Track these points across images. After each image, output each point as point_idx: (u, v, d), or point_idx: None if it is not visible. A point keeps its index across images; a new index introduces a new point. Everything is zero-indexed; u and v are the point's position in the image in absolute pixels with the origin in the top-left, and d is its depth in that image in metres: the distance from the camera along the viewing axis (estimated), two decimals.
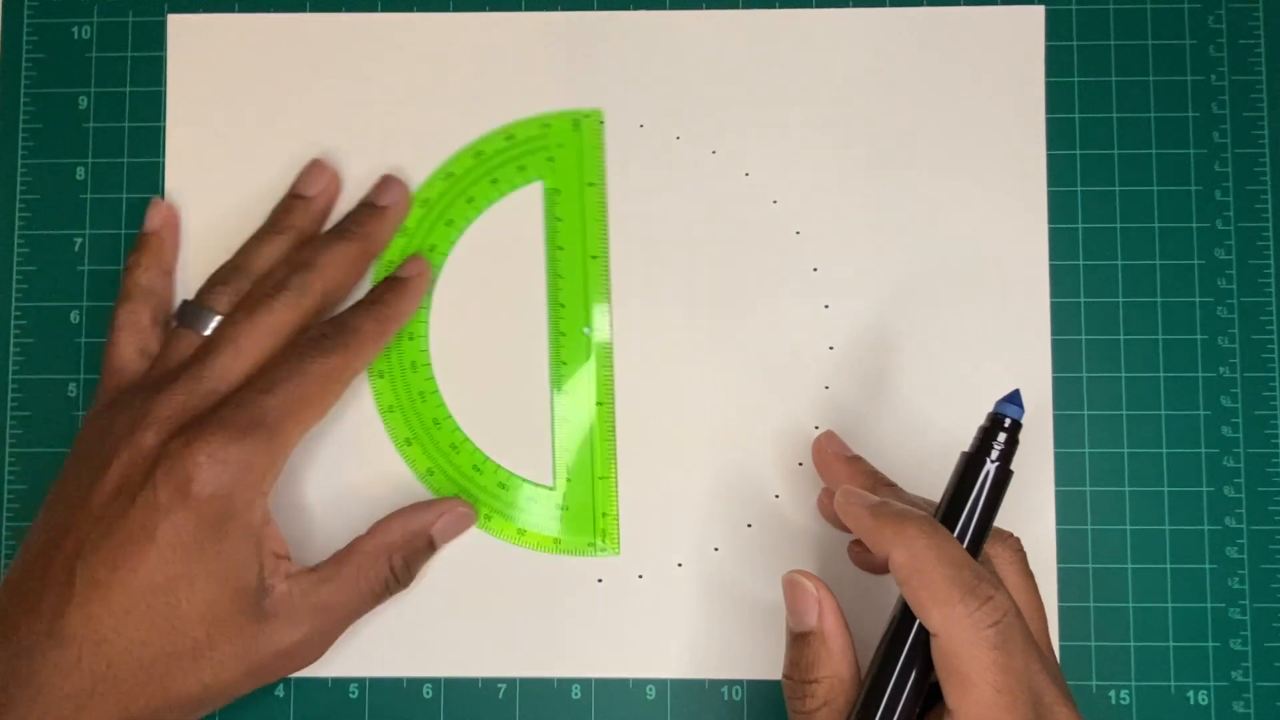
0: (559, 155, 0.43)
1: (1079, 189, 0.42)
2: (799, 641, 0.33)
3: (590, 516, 0.41)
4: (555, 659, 0.41)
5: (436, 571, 0.41)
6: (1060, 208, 0.42)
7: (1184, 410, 0.42)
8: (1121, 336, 0.42)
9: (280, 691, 0.41)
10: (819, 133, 0.43)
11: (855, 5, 0.43)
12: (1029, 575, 0.34)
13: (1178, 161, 0.42)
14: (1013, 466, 0.33)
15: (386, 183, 0.42)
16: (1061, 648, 0.40)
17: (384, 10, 0.43)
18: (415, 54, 0.43)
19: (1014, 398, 0.33)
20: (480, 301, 0.42)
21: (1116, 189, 0.42)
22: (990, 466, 0.32)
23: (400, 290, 0.41)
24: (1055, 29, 0.43)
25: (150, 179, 0.43)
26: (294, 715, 0.41)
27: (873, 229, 0.42)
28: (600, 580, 0.41)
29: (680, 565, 0.41)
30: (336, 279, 0.40)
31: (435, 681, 0.41)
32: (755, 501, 0.41)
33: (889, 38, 0.43)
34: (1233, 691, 0.40)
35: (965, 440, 0.34)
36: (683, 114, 0.43)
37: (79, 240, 0.43)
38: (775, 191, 0.42)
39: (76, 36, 0.44)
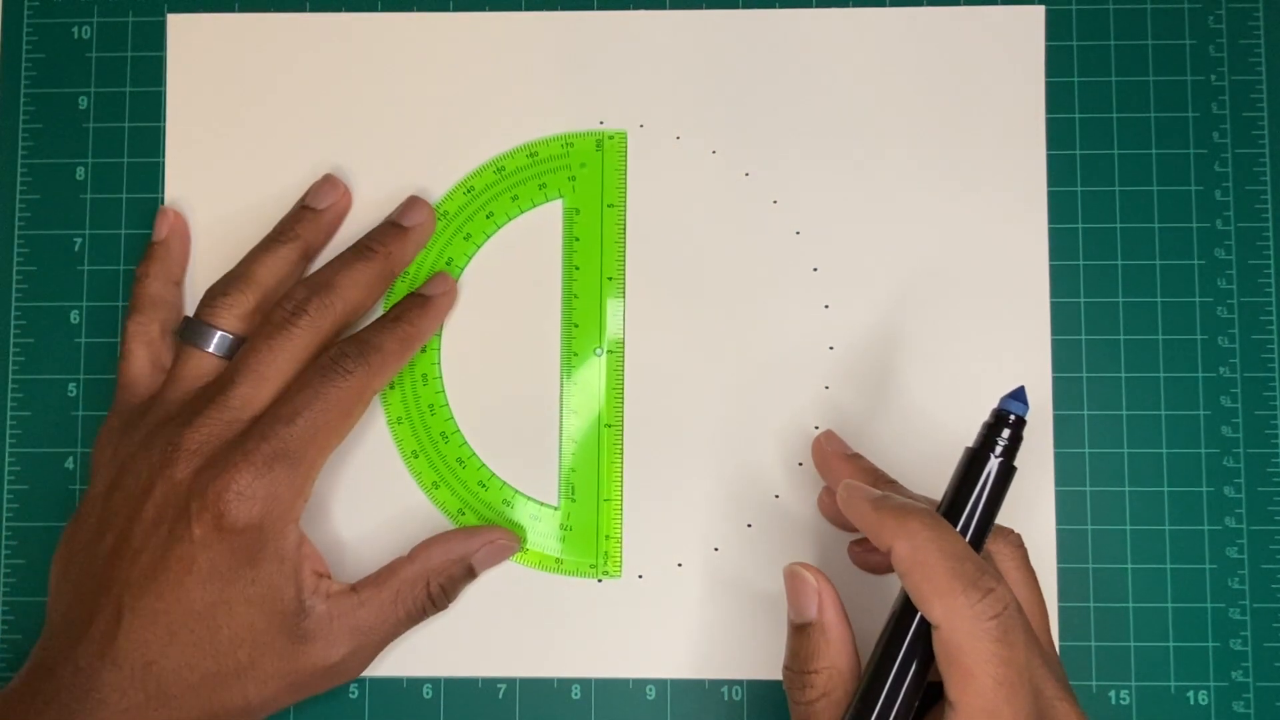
0: (581, 175, 0.43)
1: (1079, 189, 0.42)
2: (799, 633, 0.33)
3: (593, 538, 0.41)
4: (555, 659, 0.41)
5: None
6: (1060, 208, 0.42)
7: (1184, 410, 0.42)
8: (1121, 336, 0.42)
9: None
10: (819, 133, 0.43)
11: (855, 5, 0.43)
12: (1030, 571, 0.35)
13: (1178, 161, 0.42)
14: (1015, 463, 0.33)
15: (413, 203, 0.42)
16: (1061, 648, 0.40)
17: (384, 10, 0.43)
18: (415, 54, 0.43)
19: (1019, 394, 0.33)
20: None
21: (1116, 189, 0.42)
22: (994, 462, 0.32)
23: (424, 308, 0.40)
24: (1055, 29, 0.43)
25: (150, 179, 0.43)
26: (294, 715, 0.41)
27: (873, 229, 0.42)
28: (600, 580, 0.41)
29: (680, 565, 0.41)
30: (356, 299, 0.39)
31: (435, 681, 0.41)
32: (755, 501, 0.41)
33: (889, 38, 0.43)
34: (1233, 691, 0.40)
35: (965, 440, 0.34)
36: (683, 114, 0.43)
37: (79, 240, 0.43)
38: (775, 191, 0.42)
39: (76, 36, 0.44)
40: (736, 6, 0.43)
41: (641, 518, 0.41)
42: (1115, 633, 0.41)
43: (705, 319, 0.42)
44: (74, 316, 0.43)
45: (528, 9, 0.43)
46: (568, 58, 0.43)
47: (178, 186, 0.43)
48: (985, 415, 0.33)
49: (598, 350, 0.42)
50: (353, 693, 0.41)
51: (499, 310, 0.42)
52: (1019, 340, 0.42)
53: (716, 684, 0.41)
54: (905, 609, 0.32)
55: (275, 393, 0.37)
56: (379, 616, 0.38)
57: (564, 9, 0.43)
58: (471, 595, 0.41)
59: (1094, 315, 0.42)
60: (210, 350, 0.38)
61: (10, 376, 0.42)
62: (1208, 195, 0.42)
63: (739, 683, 0.41)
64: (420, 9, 0.43)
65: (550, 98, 0.43)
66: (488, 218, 0.43)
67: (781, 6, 0.43)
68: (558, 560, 0.41)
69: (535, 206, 0.43)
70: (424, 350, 0.42)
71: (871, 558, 0.40)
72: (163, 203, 0.43)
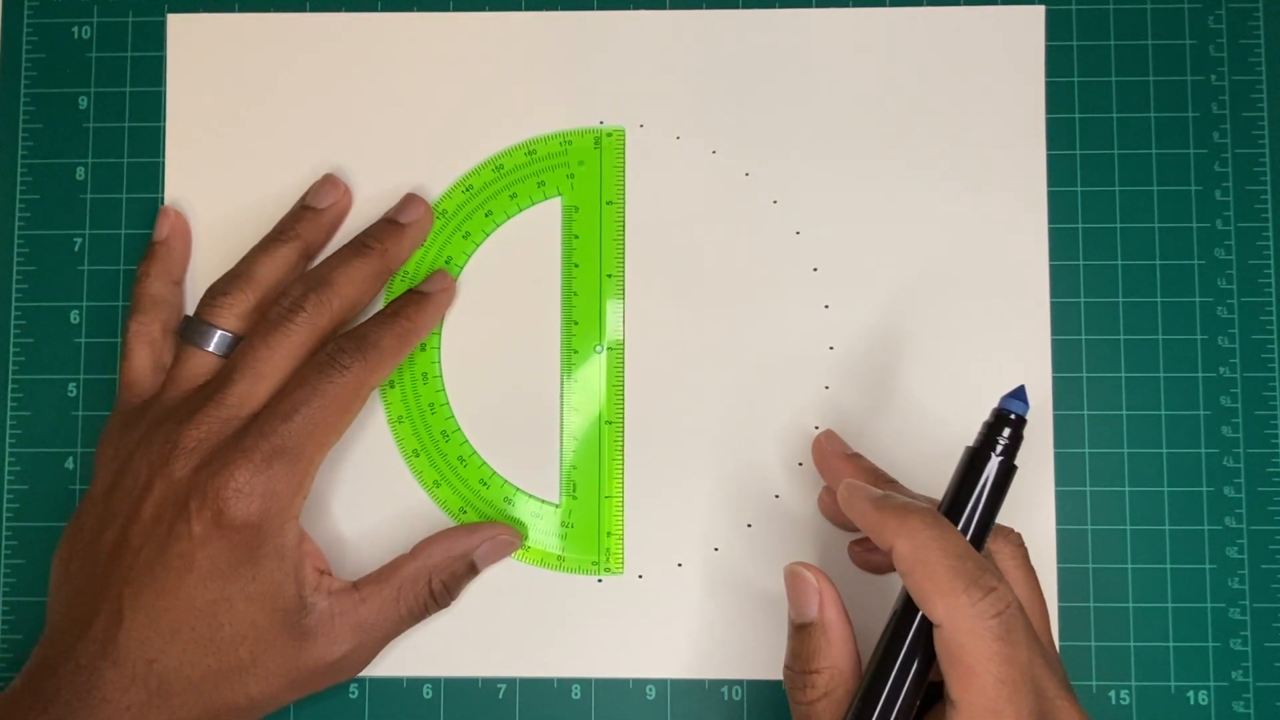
0: (579, 173, 0.43)
1: (1079, 189, 0.42)
2: (800, 632, 0.33)
3: (595, 535, 0.41)
4: (555, 659, 0.41)
5: None
6: (1060, 208, 0.42)
7: (1184, 410, 0.42)
8: (1121, 336, 0.42)
9: None
10: (819, 133, 0.43)
11: (855, 5, 0.43)
12: (1030, 570, 0.35)
13: (1178, 161, 0.42)
14: (1016, 463, 0.33)
15: (409, 200, 0.42)
16: (1061, 648, 0.40)
17: (384, 10, 0.43)
18: (414, 53, 0.43)
19: (1019, 393, 0.33)
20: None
21: (1116, 189, 0.42)
22: (994, 461, 0.33)
23: (422, 304, 0.40)
24: (1055, 29, 0.43)
25: (150, 179, 0.43)
26: (294, 715, 0.41)
27: (873, 229, 0.42)
28: (600, 580, 0.41)
29: (680, 565, 0.41)
30: (353, 296, 0.39)
31: (435, 681, 0.41)
32: (755, 501, 0.41)
33: (889, 38, 0.43)
34: (1233, 691, 0.40)
35: (966, 440, 0.34)
36: (682, 114, 0.43)
37: (79, 240, 0.43)
38: (775, 191, 0.42)
39: (76, 36, 0.44)
40: (736, 6, 0.43)
41: (641, 517, 0.41)
42: (1115, 633, 0.41)
43: (705, 319, 0.42)
44: (74, 316, 0.43)
45: (528, 9, 0.43)
46: (568, 57, 0.43)
47: (178, 186, 0.43)
48: (985, 415, 0.33)
49: (598, 348, 0.42)
50: (353, 692, 0.41)
51: (498, 308, 0.42)
52: (1019, 340, 0.42)
53: (716, 684, 0.41)
54: (906, 608, 0.32)
55: (273, 389, 0.37)
56: (381, 613, 0.38)
57: (564, 9, 0.43)
58: (472, 595, 0.41)
59: (1094, 315, 0.42)
60: (210, 349, 0.38)
61: (10, 376, 0.42)
62: (1208, 195, 0.42)
63: (739, 683, 0.41)
64: (420, 9, 0.43)
65: (550, 98, 0.43)
66: (486, 216, 0.43)
67: (781, 6, 0.43)
68: (559, 558, 0.41)
69: (534, 204, 0.43)
70: (424, 349, 0.42)
71: (872, 557, 0.40)
72: (163, 203, 0.43)
